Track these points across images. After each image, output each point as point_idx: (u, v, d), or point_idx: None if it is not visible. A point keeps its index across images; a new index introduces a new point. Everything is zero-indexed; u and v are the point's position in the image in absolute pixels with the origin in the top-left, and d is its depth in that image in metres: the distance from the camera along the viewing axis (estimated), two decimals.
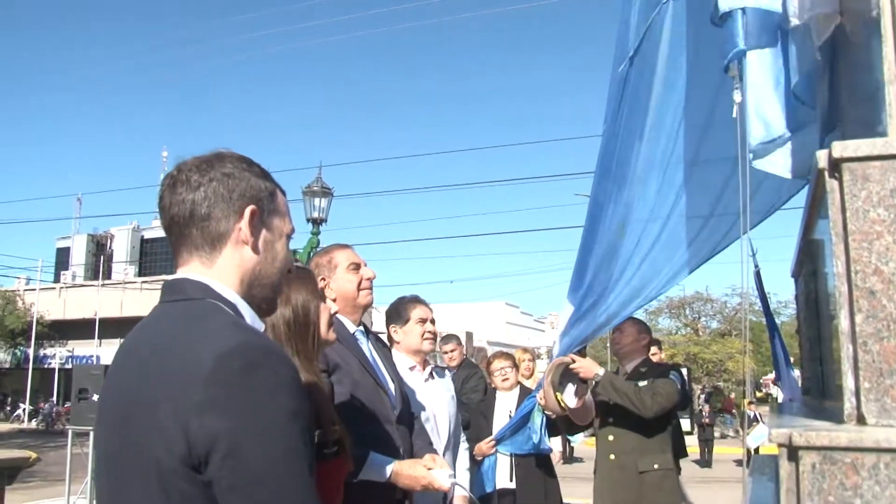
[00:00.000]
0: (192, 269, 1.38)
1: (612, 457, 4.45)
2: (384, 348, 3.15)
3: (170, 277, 1.41)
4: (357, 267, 2.95)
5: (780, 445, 1.70)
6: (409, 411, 3.02)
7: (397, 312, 3.63)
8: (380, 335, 3.32)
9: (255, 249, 1.39)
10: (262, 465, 1.15)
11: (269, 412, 1.18)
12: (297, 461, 1.20)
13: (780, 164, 2.69)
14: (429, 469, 2.68)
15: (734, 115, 2.72)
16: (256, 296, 1.41)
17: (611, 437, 4.49)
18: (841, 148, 1.82)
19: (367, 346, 2.96)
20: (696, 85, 3.38)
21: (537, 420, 4.54)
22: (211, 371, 1.16)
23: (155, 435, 1.17)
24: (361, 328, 3.00)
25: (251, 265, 1.39)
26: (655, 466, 4.40)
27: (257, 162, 1.47)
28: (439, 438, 3.52)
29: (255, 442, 1.15)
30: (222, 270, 1.37)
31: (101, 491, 1.32)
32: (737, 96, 2.70)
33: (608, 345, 7.55)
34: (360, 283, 2.94)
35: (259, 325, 1.40)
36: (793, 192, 3.38)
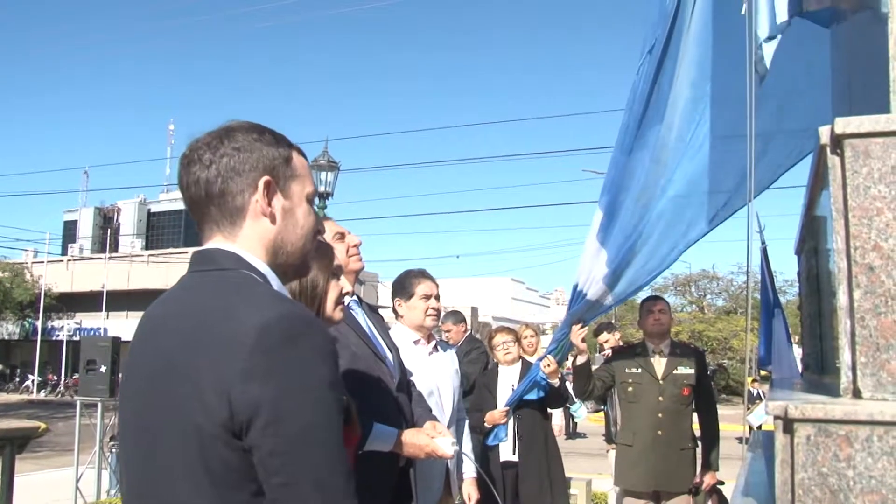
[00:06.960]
0: (217, 242, 1.39)
1: (660, 433, 4.82)
2: (378, 317, 3.18)
3: (200, 248, 1.42)
4: (342, 236, 2.98)
5: (776, 417, 1.72)
6: (406, 380, 3.06)
7: (402, 287, 3.65)
8: (379, 308, 3.34)
9: (273, 219, 1.40)
10: (302, 433, 1.18)
11: (309, 381, 1.21)
12: (333, 430, 1.23)
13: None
14: (431, 437, 2.72)
15: (743, 13, 2.83)
16: (283, 263, 1.42)
17: (660, 415, 4.84)
18: (843, 124, 1.82)
19: (361, 317, 2.99)
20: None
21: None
22: (255, 341, 1.18)
23: (195, 402, 1.19)
24: (355, 298, 3.02)
25: (272, 235, 1.40)
26: (690, 445, 4.89)
27: (270, 128, 1.46)
28: (443, 412, 3.54)
29: (295, 410, 1.18)
30: (246, 242, 1.38)
31: (130, 458, 1.31)
32: (744, 9, 2.78)
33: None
34: (347, 251, 2.97)
35: (286, 294, 1.42)
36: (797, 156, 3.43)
